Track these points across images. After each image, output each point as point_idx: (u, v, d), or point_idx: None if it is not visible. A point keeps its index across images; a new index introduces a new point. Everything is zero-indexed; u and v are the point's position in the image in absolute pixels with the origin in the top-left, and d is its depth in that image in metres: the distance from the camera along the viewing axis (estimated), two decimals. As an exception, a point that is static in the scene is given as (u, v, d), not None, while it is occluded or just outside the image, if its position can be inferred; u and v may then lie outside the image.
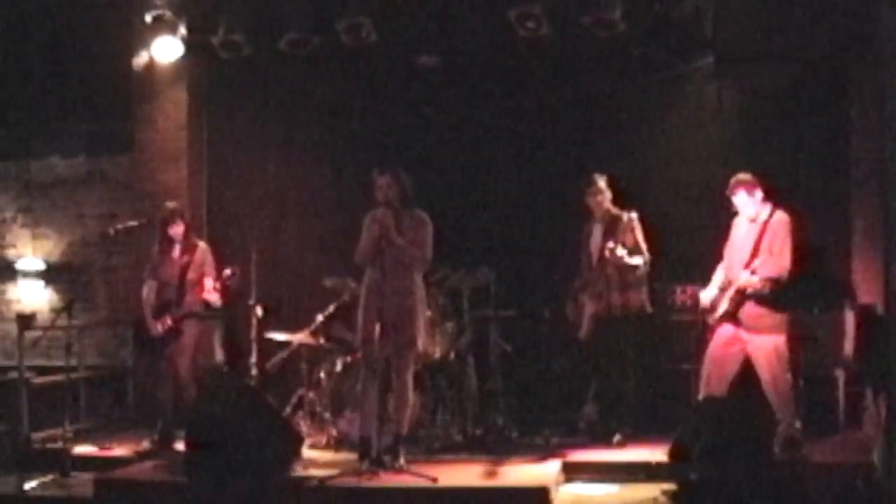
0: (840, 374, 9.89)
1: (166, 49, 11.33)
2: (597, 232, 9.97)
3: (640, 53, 10.47)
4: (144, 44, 11.45)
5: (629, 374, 9.78)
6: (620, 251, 9.48)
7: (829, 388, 9.95)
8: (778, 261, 8.87)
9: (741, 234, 9.21)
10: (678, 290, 10.47)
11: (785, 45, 10.40)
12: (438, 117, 11.60)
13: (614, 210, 9.93)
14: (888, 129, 4.99)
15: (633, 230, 9.61)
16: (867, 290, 10.15)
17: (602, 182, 9.97)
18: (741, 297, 8.98)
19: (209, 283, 10.08)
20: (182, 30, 11.23)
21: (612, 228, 9.73)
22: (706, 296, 9.28)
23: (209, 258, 10.28)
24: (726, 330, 9.11)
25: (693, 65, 10.69)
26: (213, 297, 10.11)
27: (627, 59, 10.77)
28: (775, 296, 8.92)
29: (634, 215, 9.58)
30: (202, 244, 10.36)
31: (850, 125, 10.39)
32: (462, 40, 10.79)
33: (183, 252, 10.18)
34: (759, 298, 8.93)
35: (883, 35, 5.09)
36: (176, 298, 10.05)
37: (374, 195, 8.87)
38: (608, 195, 9.99)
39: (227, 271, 10.00)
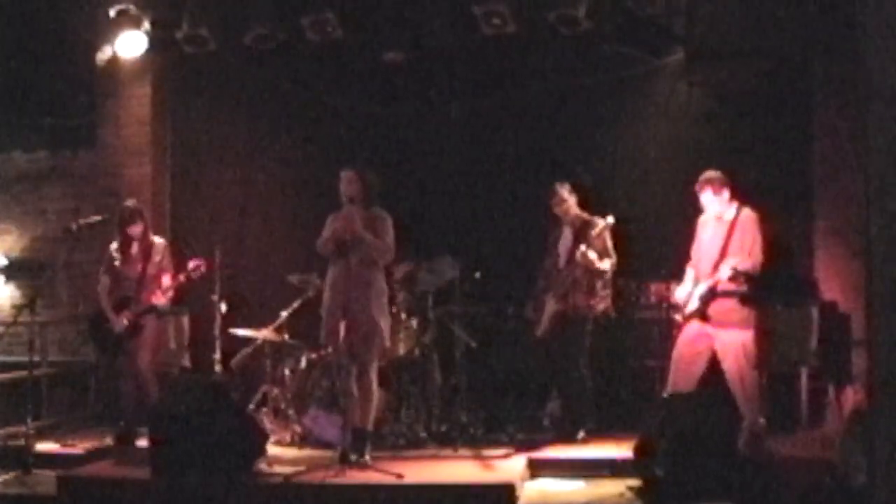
0: (803, 370, 9.93)
1: (130, 44, 11.26)
2: (567, 235, 9.97)
3: (609, 50, 10.51)
4: (108, 38, 11.36)
5: (586, 371, 9.77)
6: (592, 255, 9.52)
7: (792, 384, 9.98)
8: (750, 255, 8.91)
9: (708, 232, 9.26)
10: (643, 287, 10.49)
11: (756, 42, 10.45)
12: (405, 114, 11.58)
13: (584, 215, 9.93)
14: (869, 126, 5.00)
15: (604, 235, 9.62)
16: (830, 287, 10.21)
17: (564, 191, 9.97)
18: (713, 294, 9.01)
19: (166, 280, 10.09)
20: (146, 24, 11.17)
21: (584, 232, 9.72)
22: (681, 293, 9.32)
23: (167, 254, 10.27)
24: (693, 327, 9.15)
25: (663, 61, 10.72)
26: (164, 299, 10.11)
27: (596, 55, 10.82)
28: (744, 291, 8.98)
29: (611, 221, 9.57)
30: (160, 241, 10.36)
31: (814, 124, 10.45)
32: (428, 37, 10.79)
33: (141, 249, 10.17)
34: (728, 294, 8.97)
35: (866, 29, 5.10)
36: (135, 295, 10.03)
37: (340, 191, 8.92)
38: (572, 201, 10.00)
39: (192, 263, 9.99)
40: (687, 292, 9.29)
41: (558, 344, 9.81)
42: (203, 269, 10.01)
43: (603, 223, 9.54)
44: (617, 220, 9.56)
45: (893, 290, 5.16)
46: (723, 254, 9.01)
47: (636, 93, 11.09)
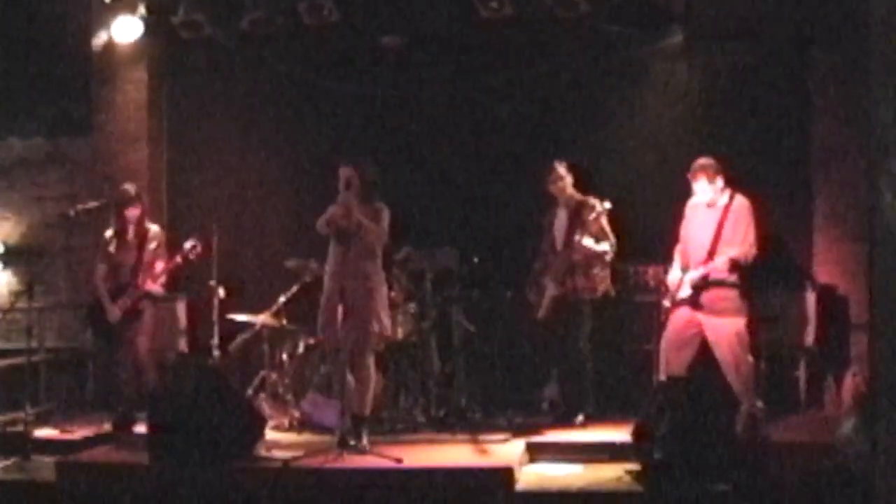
0: (801, 355, 9.94)
1: (126, 29, 11.26)
2: (562, 216, 9.95)
3: (607, 31, 10.49)
4: (104, 24, 11.39)
5: (587, 354, 9.77)
6: (587, 241, 9.51)
7: (790, 369, 10.00)
8: (744, 244, 8.88)
9: (699, 218, 9.19)
10: (641, 270, 10.47)
11: (755, 24, 10.44)
12: (402, 98, 11.54)
13: (578, 195, 9.92)
14: (872, 106, 4.99)
15: (600, 220, 9.60)
16: (828, 271, 10.22)
17: (562, 169, 9.95)
18: (704, 282, 8.98)
19: (159, 265, 10.07)
20: (142, 9, 11.18)
21: (579, 213, 9.72)
22: (673, 278, 9.29)
23: (162, 241, 10.25)
24: (682, 313, 9.10)
25: (662, 43, 10.70)
26: (157, 285, 10.10)
27: (594, 37, 10.80)
28: (736, 282, 8.96)
29: (607, 206, 9.54)
30: (156, 227, 10.32)
31: (813, 106, 10.44)
32: (425, 20, 10.78)
33: (137, 235, 10.13)
34: (721, 283, 8.95)
35: (868, 9, 5.08)
36: (131, 281, 10.00)
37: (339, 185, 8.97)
38: (569, 181, 9.98)
39: (188, 244, 9.98)
40: (677, 278, 9.27)
41: (558, 327, 9.79)
42: (199, 249, 10.00)
43: (599, 207, 9.52)
44: (614, 202, 9.54)
45: (894, 273, 5.15)
46: (715, 241, 8.95)
47: (634, 75, 11.05)
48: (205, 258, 10.07)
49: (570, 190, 9.97)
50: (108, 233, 10.17)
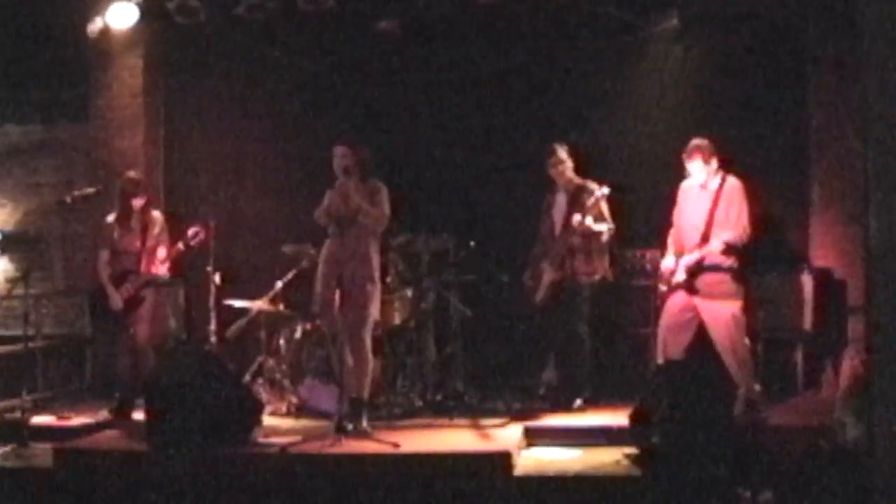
0: (798, 338, 9.94)
1: (121, 15, 11.25)
2: (561, 200, 9.95)
3: (604, 15, 10.48)
4: (99, 10, 11.34)
5: (585, 339, 9.77)
6: (588, 221, 9.48)
7: (788, 352, 10.00)
8: (738, 226, 8.87)
9: (692, 201, 9.19)
10: (639, 254, 10.46)
11: (752, 6, 10.42)
12: (399, 83, 11.53)
13: (578, 179, 9.91)
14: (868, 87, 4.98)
15: (599, 204, 9.59)
16: (825, 254, 10.20)
17: (563, 152, 9.94)
18: (699, 266, 8.97)
19: (162, 252, 10.05)
20: (137, -5, 11.17)
21: (578, 198, 9.71)
22: (667, 263, 9.28)
23: (164, 228, 10.22)
24: (679, 298, 9.10)
25: (658, 26, 10.71)
26: (162, 270, 10.08)
27: (591, 21, 10.79)
28: (732, 266, 8.95)
29: (606, 191, 9.53)
30: (157, 213, 10.29)
31: (809, 88, 10.42)
32: (421, 5, 10.76)
33: (140, 221, 10.10)
34: (717, 268, 8.93)
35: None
36: (135, 268, 9.98)
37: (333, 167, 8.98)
38: (569, 164, 9.96)
39: (192, 231, 9.97)
40: (672, 263, 9.25)
41: (557, 311, 9.79)
42: (202, 236, 9.99)
43: (598, 192, 9.51)
44: (612, 187, 9.53)
45: (891, 254, 5.15)
46: (709, 224, 8.94)
47: (631, 58, 11.04)
48: (206, 242, 10.07)
49: (569, 174, 9.96)
50: (110, 219, 10.12)
